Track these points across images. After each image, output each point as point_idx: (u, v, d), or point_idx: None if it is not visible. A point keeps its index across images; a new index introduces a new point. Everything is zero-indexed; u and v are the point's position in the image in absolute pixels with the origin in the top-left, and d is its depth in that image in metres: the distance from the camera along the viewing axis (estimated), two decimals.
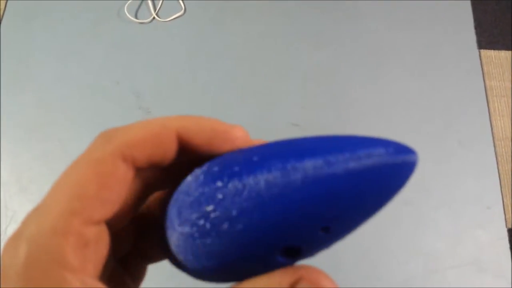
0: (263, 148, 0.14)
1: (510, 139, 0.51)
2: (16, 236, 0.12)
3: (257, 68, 0.53)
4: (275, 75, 0.52)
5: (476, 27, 0.55)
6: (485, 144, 0.50)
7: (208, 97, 0.51)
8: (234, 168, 0.13)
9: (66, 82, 0.52)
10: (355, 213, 0.13)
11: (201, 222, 0.13)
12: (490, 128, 0.51)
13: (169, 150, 0.14)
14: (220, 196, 0.13)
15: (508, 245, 0.46)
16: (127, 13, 0.55)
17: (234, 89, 0.52)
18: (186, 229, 0.14)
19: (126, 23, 0.55)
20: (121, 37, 0.54)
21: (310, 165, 0.13)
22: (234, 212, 0.13)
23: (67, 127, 0.49)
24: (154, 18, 0.55)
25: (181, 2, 0.56)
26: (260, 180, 0.13)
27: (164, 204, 0.15)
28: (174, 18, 0.55)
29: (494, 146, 0.50)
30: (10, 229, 0.45)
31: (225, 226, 0.13)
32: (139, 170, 0.14)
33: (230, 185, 0.13)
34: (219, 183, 0.13)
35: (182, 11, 0.55)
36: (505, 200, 0.48)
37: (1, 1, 0.55)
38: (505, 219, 0.47)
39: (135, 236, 0.17)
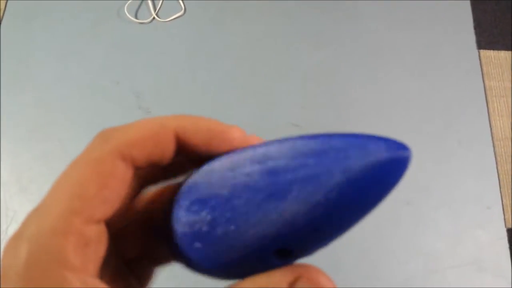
0: (252, 153, 0.14)
1: (509, 139, 0.51)
2: (17, 237, 0.12)
3: (257, 68, 0.53)
4: (275, 75, 0.52)
5: (475, 27, 0.55)
6: (484, 144, 0.50)
7: (208, 97, 0.51)
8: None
9: (66, 82, 0.52)
10: (348, 214, 0.13)
11: (197, 226, 0.14)
12: (489, 128, 0.51)
13: (167, 150, 0.14)
14: (212, 202, 0.14)
15: (507, 245, 0.46)
16: (127, 13, 0.55)
17: (234, 89, 0.52)
18: (186, 230, 0.14)
19: (126, 23, 0.55)
20: (121, 37, 0.54)
21: (298, 173, 0.13)
22: (224, 219, 0.13)
23: (67, 127, 0.49)
24: (154, 18, 0.55)
25: (181, 2, 0.56)
26: (243, 191, 0.13)
27: (167, 205, 0.15)
28: (174, 18, 0.55)
29: (494, 146, 0.50)
30: (11, 229, 0.45)
31: (219, 230, 0.14)
32: (138, 169, 0.14)
33: (220, 193, 0.14)
34: (212, 191, 0.14)
35: (182, 11, 0.55)
36: (504, 200, 0.48)
37: (1, 1, 0.55)
38: (505, 219, 0.47)
39: (142, 238, 0.17)
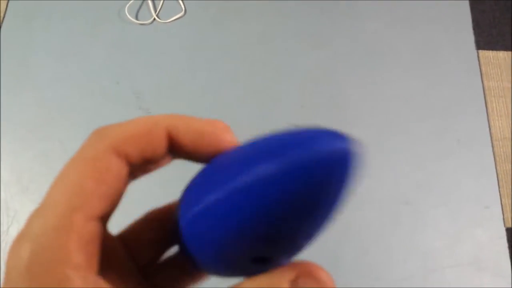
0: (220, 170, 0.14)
1: (508, 139, 0.51)
2: (20, 237, 0.13)
3: (257, 68, 0.53)
4: (275, 75, 0.53)
5: (474, 28, 0.56)
6: (483, 144, 0.50)
7: (208, 97, 0.51)
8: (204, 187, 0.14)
9: (67, 82, 0.52)
10: (303, 217, 0.13)
11: (188, 229, 0.14)
12: (488, 128, 0.51)
13: (159, 147, 0.15)
14: (195, 210, 0.14)
15: (506, 244, 0.46)
16: (127, 14, 0.55)
17: (234, 89, 0.52)
18: (185, 233, 0.15)
19: (127, 24, 0.55)
20: (122, 38, 0.54)
21: (235, 184, 0.13)
22: (202, 228, 0.14)
23: (67, 127, 0.49)
24: (154, 19, 0.55)
25: (181, 3, 0.56)
26: (208, 205, 0.13)
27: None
28: (175, 19, 0.55)
29: (492, 146, 0.50)
30: (12, 229, 0.45)
31: (204, 238, 0.14)
32: (132, 166, 0.14)
33: (200, 202, 0.14)
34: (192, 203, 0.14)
35: (182, 12, 0.56)
36: (503, 200, 0.48)
37: (2, 2, 0.55)
38: (504, 218, 0.47)
39: (157, 245, 0.17)
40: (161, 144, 0.15)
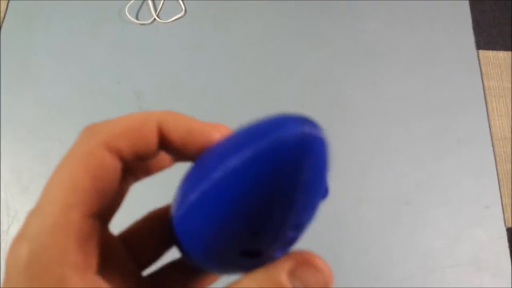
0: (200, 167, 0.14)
1: (508, 139, 0.51)
2: (18, 237, 0.13)
3: (257, 68, 0.53)
4: (275, 75, 0.53)
5: (474, 28, 0.56)
6: (483, 144, 0.50)
7: (208, 97, 0.51)
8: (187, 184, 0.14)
9: (67, 82, 0.52)
10: (281, 207, 0.13)
11: (182, 226, 0.14)
12: (488, 128, 0.51)
13: (151, 142, 0.15)
14: (183, 208, 0.14)
15: (507, 244, 0.46)
16: (128, 14, 0.55)
17: (234, 89, 0.52)
18: (175, 231, 0.15)
19: (127, 24, 0.55)
20: (122, 38, 0.54)
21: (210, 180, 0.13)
22: (190, 226, 0.14)
23: (67, 127, 0.50)
24: (154, 19, 0.55)
25: (181, 3, 0.56)
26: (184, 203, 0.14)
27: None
28: (175, 19, 0.55)
29: (493, 146, 0.50)
30: (12, 229, 0.46)
31: (192, 236, 0.14)
32: (125, 162, 0.14)
33: (186, 198, 0.14)
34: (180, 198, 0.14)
35: (183, 12, 0.56)
36: (503, 200, 0.48)
37: (3, 2, 0.55)
38: (504, 218, 0.47)
39: (157, 244, 0.17)
40: (152, 140, 0.15)
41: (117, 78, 0.52)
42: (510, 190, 0.48)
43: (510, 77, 0.54)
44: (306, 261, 0.13)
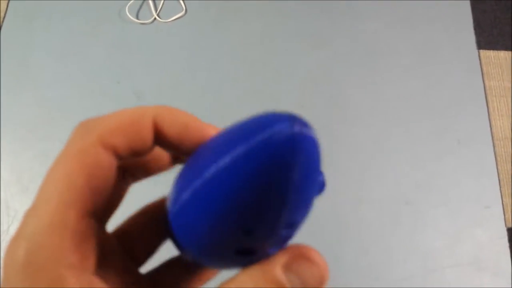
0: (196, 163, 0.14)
1: (509, 139, 0.51)
2: (16, 237, 0.13)
3: (257, 68, 0.53)
4: (275, 75, 0.53)
5: (475, 28, 0.56)
6: (484, 143, 0.50)
7: (208, 97, 0.51)
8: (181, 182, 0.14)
9: (67, 82, 0.52)
10: (272, 205, 0.13)
11: (179, 222, 0.14)
12: (489, 128, 0.51)
13: (146, 138, 0.14)
14: (176, 205, 0.14)
15: (507, 244, 0.46)
16: (128, 14, 0.55)
17: (234, 89, 0.52)
18: (171, 226, 0.15)
19: (127, 24, 0.55)
20: (122, 37, 0.54)
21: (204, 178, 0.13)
22: (183, 223, 0.14)
23: (67, 127, 0.49)
24: (155, 18, 0.55)
25: (182, 2, 0.56)
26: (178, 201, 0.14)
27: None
28: (175, 19, 0.55)
29: (494, 146, 0.50)
30: (12, 229, 0.46)
31: (185, 232, 0.14)
32: (120, 158, 0.14)
33: (181, 195, 0.14)
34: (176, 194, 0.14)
35: (183, 11, 0.56)
36: (504, 200, 0.48)
37: (3, 2, 0.55)
38: (505, 218, 0.47)
39: (152, 240, 0.17)
40: (148, 135, 0.14)
41: (117, 77, 0.52)
42: (511, 190, 0.48)
43: (511, 77, 0.54)
44: (301, 255, 0.13)
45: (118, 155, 0.14)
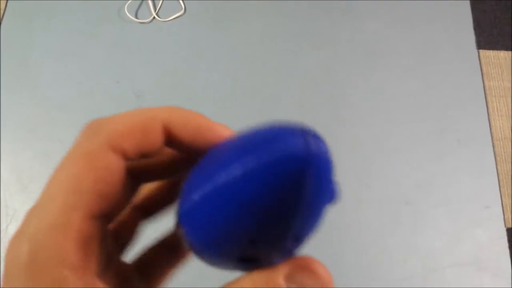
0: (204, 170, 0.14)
1: (509, 139, 0.51)
2: (18, 235, 0.13)
3: (256, 67, 0.53)
4: (275, 74, 0.53)
5: (475, 28, 0.56)
6: (484, 144, 0.50)
7: (208, 96, 0.51)
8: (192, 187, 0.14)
9: (66, 82, 0.52)
10: (280, 219, 0.13)
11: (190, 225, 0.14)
12: (489, 128, 0.51)
13: (156, 141, 0.14)
14: (185, 206, 0.14)
15: (507, 244, 0.46)
16: (127, 13, 0.55)
17: (233, 89, 0.52)
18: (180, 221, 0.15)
19: (127, 23, 0.55)
20: (121, 36, 0.54)
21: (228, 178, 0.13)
22: (191, 225, 0.14)
23: (67, 127, 0.49)
24: (154, 18, 0.55)
25: (181, 2, 0.56)
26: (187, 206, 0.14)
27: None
28: (174, 18, 0.55)
29: (493, 146, 0.50)
30: (10, 228, 0.46)
31: (193, 234, 0.14)
32: (128, 160, 0.14)
33: (191, 198, 0.14)
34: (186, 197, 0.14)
35: (182, 11, 0.55)
36: (504, 200, 0.48)
37: (2, 1, 0.55)
38: (504, 218, 0.47)
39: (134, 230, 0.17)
40: (157, 138, 0.14)
41: (117, 77, 0.52)
42: (510, 190, 0.48)
43: (511, 77, 0.54)
44: (305, 266, 0.13)
45: (126, 158, 0.14)
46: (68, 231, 0.12)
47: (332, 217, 0.51)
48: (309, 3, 0.56)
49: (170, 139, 0.15)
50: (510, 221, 0.47)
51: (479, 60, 0.54)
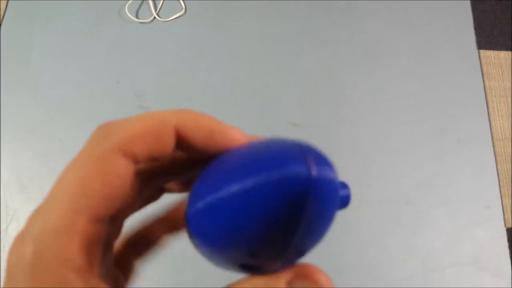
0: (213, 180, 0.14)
1: (509, 139, 0.51)
2: (22, 236, 0.12)
3: (257, 67, 0.53)
4: (275, 75, 0.53)
5: (475, 28, 0.56)
6: (484, 144, 0.50)
7: (208, 96, 0.51)
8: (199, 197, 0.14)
9: (67, 82, 0.52)
10: (282, 236, 0.13)
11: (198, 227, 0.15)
12: (489, 128, 0.51)
13: (167, 145, 0.14)
14: (191, 210, 0.14)
15: (507, 244, 0.46)
16: (128, 13, 0.55)
17: (234, 89, 0.52)
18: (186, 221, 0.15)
19: (127, 23, 0.55)
20: (122, 36, 0.54)
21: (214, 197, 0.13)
22: (196, 229, 0.14)
23: (67, 127, 0.49)
24: (154, 18, 0.55)
25: (181, 2, 0.56)
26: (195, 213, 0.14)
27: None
28: (175, 18, 0.55)
29: (493, 146, 0.50)
30: (10, 228, 0.46)
31: (197, 237, 0.14)
32: (137, 163, 0.14)
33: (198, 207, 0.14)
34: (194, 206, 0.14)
35: (183, 11, 0.55)
36: (504, 200, 0.48)
37: (2, 1, 0.55)
38: (504, 218, 0.47)
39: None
40: (169, 142, 0.14)
41: (117, 77, 0.52)
42: (510, 190, 0.48)
43: (511, 77, 0.54)
44: (306, 274, 0.13)
45: (136, 161, 0.14)
46: (73, 233, 0.12)
47: None
48: (309, 3, 0.56)
49: (182, 143, 0.15)
50: (510, 221, 0.47)
51: (480, 60, 0.54)
